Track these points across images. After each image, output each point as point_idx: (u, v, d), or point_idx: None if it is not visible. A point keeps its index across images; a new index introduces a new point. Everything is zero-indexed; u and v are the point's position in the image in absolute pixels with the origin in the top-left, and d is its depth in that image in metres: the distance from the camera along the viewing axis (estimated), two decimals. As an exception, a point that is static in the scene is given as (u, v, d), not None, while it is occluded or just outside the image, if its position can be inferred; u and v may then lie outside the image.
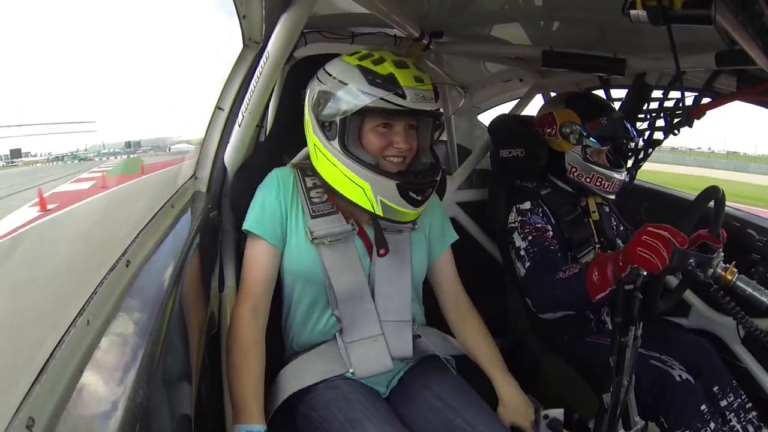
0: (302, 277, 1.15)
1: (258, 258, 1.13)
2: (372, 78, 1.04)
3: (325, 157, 1.09)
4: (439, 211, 1.31)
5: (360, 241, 1.18)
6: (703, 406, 1.30)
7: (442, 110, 1.13)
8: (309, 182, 1.17)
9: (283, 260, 1.15)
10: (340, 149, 1.07)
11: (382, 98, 1.02)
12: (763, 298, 1.20)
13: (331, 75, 1.09)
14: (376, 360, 1.12)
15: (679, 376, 1.32)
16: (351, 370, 1.10)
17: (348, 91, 1.05)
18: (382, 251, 1.14)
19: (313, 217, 1.13)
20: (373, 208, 1.08)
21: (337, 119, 1.06)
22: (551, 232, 1.53)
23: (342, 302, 1.13)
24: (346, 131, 1.06)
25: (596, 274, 1.22)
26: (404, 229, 1.20)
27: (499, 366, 1.22)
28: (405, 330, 1.17)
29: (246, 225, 1.15)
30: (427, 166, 1.15)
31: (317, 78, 1.12)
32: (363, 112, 1.05)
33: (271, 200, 1.14)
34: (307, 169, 1.19)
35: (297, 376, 1.12)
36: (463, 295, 1.32)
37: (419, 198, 1.09)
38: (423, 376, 1.16)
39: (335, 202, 1.17)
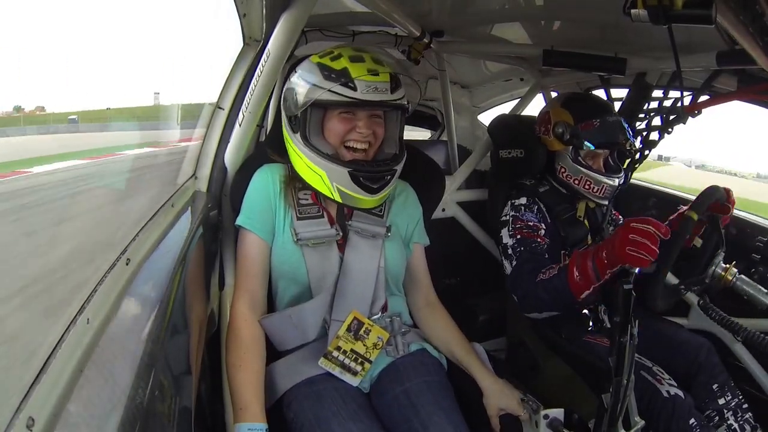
0: (286, 276, 1.18)
1: (250, 252, 1.16)
2: (327, 73, 1.11)
3: (292, 148, 1.17)
4: (418, 214, 1.35)
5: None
6: (692, 420, 1.29)
7: (401, 101, 1.14)
8: (298, 183, 1.21)
9: (271, 257, 1.18)
10: (301, 140, 1.14)
11: (331, 90, 1.08)
12: (763, 299, 1.20)
13: (296, 73, 1.17)
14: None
15: (667, 392, 1.31)
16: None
17: (305, 86, 1.12)
18: (340, 240, 1.19)
19: (299, 219, 1.17)
20: (331, 194, 1.14)
21: (299, 113, 1.13)
22: (544, 231, 1.52)
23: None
24: (307, 124, 1.13)
25: (577, 273, 1.23)
26: (378, 236, 1.22)
27: (475, 358, 1.23)
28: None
29: (238, 220, 1.18)
30: (389, 156, 1.19)
31: (288, 77, 1.19)
32: (324, 105, 1.11)
33: (261, 196, 1.18)
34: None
35: (286, 374, 1.12)
36: (433, 293, 1.34)
37: (375, 186, 1.13)
38: (400, 372, 1.16)
39: (320, 204, 1.21)
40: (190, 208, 1.20)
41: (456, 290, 1.89)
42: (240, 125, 1.28)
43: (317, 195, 1.20)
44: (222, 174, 1.35)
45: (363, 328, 1.14)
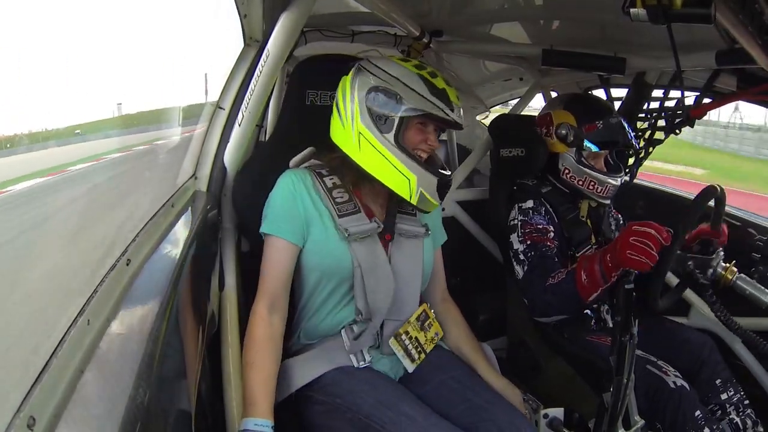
0: (329, 270, 1.18)
1: (279, 257, 1.17)
2: (431, 88, 1.16)
3: (373, 146, 1.16)
4: (438, 210, 1.41)
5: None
6: (698, 412, 1.30)
7: None
8: (329, 182, 1.22)
9: (304, 256, 1.19)
10: (393, 142, 1.15)
11: (441, 109, 1.15)
12: (763, 298, 1.20)
13: (391, 74, 1.17)
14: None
15: (674, 382, 1.32)
16: (368, 359, 1.17)
17: (413, 94, 1.15)
18: (387, 236, 1.22)
19: (340, 216, 1.19)
20: (410, 197, 1.17)
21: (397, 116, 1.14)
22: (553, 233, 1.53)
23: (369, 294, 1.18)
24: (401, 127, 1.15)
25: (584, 276, 1.24)
26: (419, 235, 1.27)
27: (483, 356, 1.30)
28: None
29: (265, 228, 1.18)
30: (440, 165, 1.26)
31: (370, 72, 1.18)
32: (416, 116, 1.16)
33: (291, 202, 1.18)
34: (322, 170, 1.24)
35: (307, 366, 1.15)
36: (447, 290, 1.42)
37: (445, 192, 1.23)
38: (435, 362, 1.23)
39: (359, 197, 1.23)
40: (190, 208, 1.20)
41: (456, 290, 1.88)
42: (239, 125, 1.28)
43: (360, 192, 1.23)
44: (222, 174, 1.35)
45: (428, 321, 1.25)
